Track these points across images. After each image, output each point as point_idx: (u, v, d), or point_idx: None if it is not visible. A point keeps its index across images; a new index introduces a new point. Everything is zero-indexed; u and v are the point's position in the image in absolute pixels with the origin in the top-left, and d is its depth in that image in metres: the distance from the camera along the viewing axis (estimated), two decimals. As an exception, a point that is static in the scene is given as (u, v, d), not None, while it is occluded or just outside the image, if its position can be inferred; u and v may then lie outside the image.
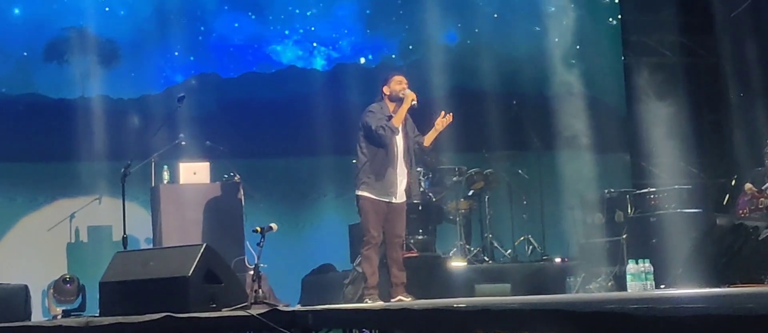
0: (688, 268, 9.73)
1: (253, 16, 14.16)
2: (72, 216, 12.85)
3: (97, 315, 9.09)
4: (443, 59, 14.12)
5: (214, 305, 8.57)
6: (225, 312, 8.29)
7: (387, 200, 9.13)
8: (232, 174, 11.75)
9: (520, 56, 14.53)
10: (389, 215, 9.16)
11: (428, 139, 9.43)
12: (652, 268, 9.77)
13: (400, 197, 9.24)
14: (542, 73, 14.14)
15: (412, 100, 9.15)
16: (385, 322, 7.54)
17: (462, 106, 13.03)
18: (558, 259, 12.23)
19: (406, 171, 9.26)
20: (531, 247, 12.76)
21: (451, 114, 9.33)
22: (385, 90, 9.29)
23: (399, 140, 9.24)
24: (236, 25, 14.09)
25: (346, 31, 14.41)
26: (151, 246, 11.73)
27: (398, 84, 9.25)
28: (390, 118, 9.12)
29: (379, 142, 9.09)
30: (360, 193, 9.16)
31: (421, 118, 9.65)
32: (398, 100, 9.20)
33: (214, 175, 11.73)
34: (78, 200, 12.94)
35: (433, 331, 7.28)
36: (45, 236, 12.79)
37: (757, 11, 14.51)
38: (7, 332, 7.99)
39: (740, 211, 11.74)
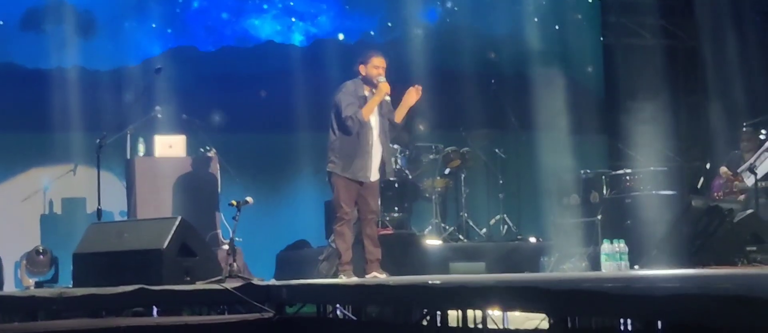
0: (663, 249, 9.78)
1: (233, -10, 14.10)
2: (46, 187, 12.77)
3: (71, 286, 9.05)
4: (422, 37, 14.10)
5: (188, 278, 8.57)
6: (199, 285, 8.29)
7: (359, 180, 9.03)
8: (207, 148, 11.71)
9: (500, 36, 14.53)
10: (363, 192, 9.04)
11: (398, 115, 9.14)
12: (626, 249, 9.83)
13: (374, 175, 9.08)
14: (521, 53, 14.16)
15: (386, 94, 8.94)
16: (359, 297, 7.55)
17: (441, 84, 13.05)
18: (533, 239, 12.26)
19: (380, 149, 9.08)
20: (506, 226, 12.78)
21: (419, 86, 9.10)
22: (362, 70, 9.05)
23: (374, 119, 9.04)
24: (215, -3, 14.03)
25: (324, 7, 14.35)
26: (125, 218, 11.68)
27: (375, 68, 8.98)
28: (364, 100, 8.98)
29: (345, 130, 8.93)
30: (330, 170, 9.01)
31: (399, 99, 9.55)
32: (373, 85, 9.00)
33: (190, 148, 11.68)
34: (52, 171, 12.85)
35: (407, 308, 7.29)
36: (18, 207, 12.70)
37: (737, -5, 14.56)
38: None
39: (715, 194, 11.79)
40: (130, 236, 8.92)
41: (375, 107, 9.00)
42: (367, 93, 9.04)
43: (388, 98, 9.01)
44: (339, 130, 8.98)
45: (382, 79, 8.97)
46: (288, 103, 13.46)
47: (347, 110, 8.89)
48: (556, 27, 14.89)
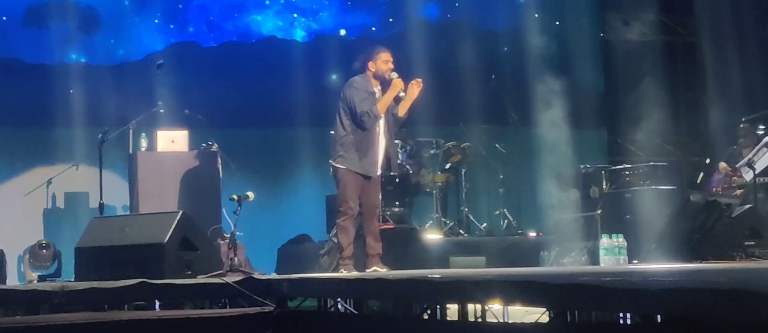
0: (662, 243, 9.81)
1: (234, -14, 14.15)
2: (49, 182, 12.82)
3: (73, 280, 9.09)
4: (423, 33, 14.10)
5: (190, 272, 8.59)
6: (200, 279, 8.31)
7: (368, 175, 9.02)
8: (209, 143, 11.73)
9: (500, 31, 14.56)
10: (367, 187, 9.03)
11: (402, 109, 9.12)
12: (625, 243, 9.85)
13: (379, 170, 9.12)
14: (521, 48, 14.19)
15: (400, 90, 8.88)
16: (360, 291, 7.58)
17: (441, 79, 13.08)
18: (533, 233, 12.30)
19: (385, 143, 9.09)
20: (506, 220, 12.82)
21: (420, 79, 9.03)
22: (371, 66, 8.99)
23: None
24: (217, -7, 14.07)
25: (326, 3, 14.40)
26: (127, 213, 11.72)
27: (385, 63, 8.95)
28: (374, 96, 8.95)
29: (361, 126, 8.89)
30: (338, 164, 8.98)
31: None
32: (383, 80, 8.96)
33: (192, 143, 11.70)
34: (55, 166, 12.91)
35: (408, 302, 7.33)
36: (22, 202, 12.75)
37: (736, -9, 14.58)
38: (-17, 296, 8.00)
39: (714, 190, 11.83)
40: (132, 230, 8.95)
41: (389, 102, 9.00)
42: (376, 89, 9.01)
43: (402, 94, 8.94)
44: (352, 125, 8.93)
45: (395, 74, 8.93)
46: (289, 98, 13.50)
47: (362, 105, 8.83)
48: (556, 22, 14.92)
